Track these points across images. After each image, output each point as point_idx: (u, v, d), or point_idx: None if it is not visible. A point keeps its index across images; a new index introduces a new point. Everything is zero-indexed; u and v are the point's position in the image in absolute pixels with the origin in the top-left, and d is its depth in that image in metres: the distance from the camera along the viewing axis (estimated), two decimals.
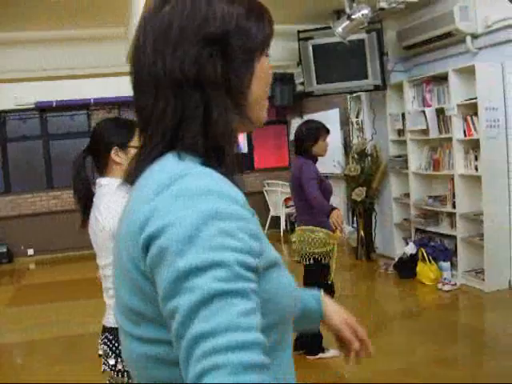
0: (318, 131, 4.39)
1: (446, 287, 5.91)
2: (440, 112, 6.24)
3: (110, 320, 2.21)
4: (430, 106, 6.44)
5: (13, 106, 9.41)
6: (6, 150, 9.78)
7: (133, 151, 2.26)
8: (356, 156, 7.55)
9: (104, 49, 7.44)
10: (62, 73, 7.72)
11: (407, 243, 6.73)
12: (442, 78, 6.25)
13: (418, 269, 6.29)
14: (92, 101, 9.47)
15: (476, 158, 5.85)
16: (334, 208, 3.98)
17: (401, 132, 7.04)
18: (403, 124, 6.82)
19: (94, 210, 2.23)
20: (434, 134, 6.32)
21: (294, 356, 1.04)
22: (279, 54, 7.44)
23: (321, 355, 4.37)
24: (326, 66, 6.66)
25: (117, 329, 2.05)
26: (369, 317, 5.25)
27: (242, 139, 10.19)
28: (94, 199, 2.25)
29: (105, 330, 2.26)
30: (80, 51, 7.36)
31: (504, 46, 5.56)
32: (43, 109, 9.61)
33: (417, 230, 6.80)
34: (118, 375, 2.17)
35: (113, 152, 2.26)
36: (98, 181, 2.29)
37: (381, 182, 7.36)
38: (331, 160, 7.94)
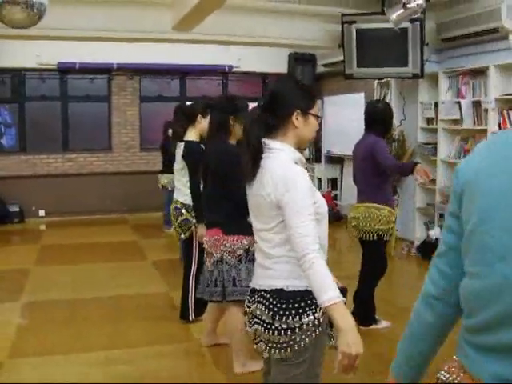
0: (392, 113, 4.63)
1: None
2: (476, 104, 6.50)
3: (266, 282, 2.26)
4: (463, 97, 6.70)
5: (34, 65, 9.36)
6: (23, 109, 9.75)
7: (311, 119, 2.28)
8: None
9: (138, 14, 7.45)
10: (88, 34, 7.69)
11: (428, 227, 7.03)
12: (478, 72, 6.52)
13: None
14: (115, 66, 9.48)
15: None
16: (416, 163, 4.31)
17: (430, 120, 7.29)
18: (435, 113, 7.05)
19: (263, 173, 2.21)
20: (467, 124, 6.59)
21: None
22: (314, 34, 7.60)
23: (373, 326, 4.62)
24: (367, 50, 6.85)
25: (277, 290, 2.20)
26: (399, 294, 5.67)
27: None
28: (262, 161, 2.22)
29: (255, 291, 2.32)
30: (111, 13, 7.35)
31: None
32: (65, 70, 9.58)
33: (440, 215, 7.09)
34: (273, 333, 2.20)
35: (294, 115, 2.23)
36: (267, 141, 2.23)
37: None
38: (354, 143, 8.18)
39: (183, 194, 4.73)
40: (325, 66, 9.75)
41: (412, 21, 6.58)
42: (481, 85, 6.50)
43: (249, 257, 3.73)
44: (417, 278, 6.53)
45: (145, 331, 4.76)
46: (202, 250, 4.73)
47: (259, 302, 2.26)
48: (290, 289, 2.18)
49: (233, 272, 3.75)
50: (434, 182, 7.21)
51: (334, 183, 10.36)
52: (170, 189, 8.52)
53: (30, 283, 6.15)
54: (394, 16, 5.92)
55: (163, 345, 4.48)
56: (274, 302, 2.19)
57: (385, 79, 7.86)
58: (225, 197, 3.77)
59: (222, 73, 10.34)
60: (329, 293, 1.97)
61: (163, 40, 7.53)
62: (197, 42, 7.84)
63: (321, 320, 2.17)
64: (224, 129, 3.80)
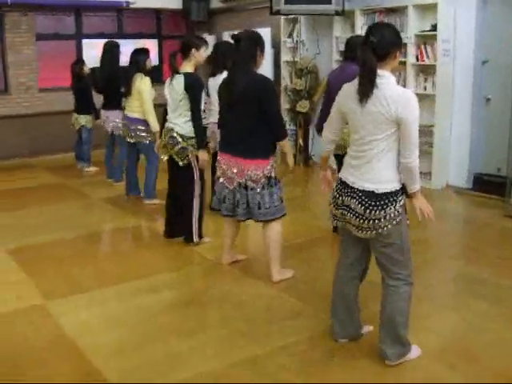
0: None
1: None
2: None
3: (360, 183, 2.95)
4: None
5: None
6: None
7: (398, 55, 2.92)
8: (297, 72, 8.45)
9: None
10: None
11: None
12: (393, 11, 7.36)
13: None
14: (9, 1, 8.91)
15: (425, 80, 7.12)
16: None
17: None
18: None
19: (379, 95, 2.79)
20: None
21: None
22: None
23: None
24: None
25: (369, 192, 2.99)
26: None
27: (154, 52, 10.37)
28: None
29: (347, 185, 3.00)
30: None
31: None
32: None
33: None
34: (363, 221, 2.95)
35: (396, 53, 2.86)
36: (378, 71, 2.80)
37: (321, 96, 8.33)
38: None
39: (177, 125, 4.97)
40: (224, 1, 10.02)
41: None
42: (396, 22, 7.34)
43: (270, 183, 4.13)
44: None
45: (155, 259, 4.89)
46: (201, 173, 5.06)
47: (352, 197, 2.97)
48: (379, 191, 2.91)
49: (257, 197, 4.13)
50: None
51: None
52: (89, 127, 8.46)
53: None
54: None
55: (184, 268, 4.68)
56: (366, 200, 2.92)
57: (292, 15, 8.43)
58: (257, 123, 4.03)
59: (118, 9, 10.16)
60: (417, 185, 2.93)
61: None
62: None
63: (399, 210, 2.90)
64: (253, 59, 4.06)
